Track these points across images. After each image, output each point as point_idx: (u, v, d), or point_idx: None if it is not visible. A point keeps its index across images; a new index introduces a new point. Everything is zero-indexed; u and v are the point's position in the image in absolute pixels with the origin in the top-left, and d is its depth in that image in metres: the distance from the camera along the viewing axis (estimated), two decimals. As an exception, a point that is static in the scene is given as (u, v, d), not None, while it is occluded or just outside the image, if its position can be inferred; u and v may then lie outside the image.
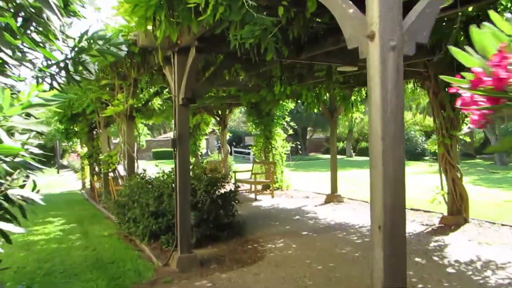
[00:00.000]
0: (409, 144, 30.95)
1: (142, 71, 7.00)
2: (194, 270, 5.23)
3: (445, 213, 8.43)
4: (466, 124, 8.19)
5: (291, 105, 14.04)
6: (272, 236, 7.02)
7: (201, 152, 18.92)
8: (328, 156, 40.52)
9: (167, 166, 8.49)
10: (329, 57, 6.43)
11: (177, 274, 5.13)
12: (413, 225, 7.87)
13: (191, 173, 7.27)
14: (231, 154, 37.68)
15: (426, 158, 31.66)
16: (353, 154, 39.71)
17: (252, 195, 11.88)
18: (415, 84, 9.27)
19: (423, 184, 14.95)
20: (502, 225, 7.71)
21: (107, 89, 8.80)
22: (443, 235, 7.03)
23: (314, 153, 44.66)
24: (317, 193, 12.55)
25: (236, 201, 7.44)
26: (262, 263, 5.51)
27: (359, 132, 43.90)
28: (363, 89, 10.28)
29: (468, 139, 8.23)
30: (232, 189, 7.59)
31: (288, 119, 14.22)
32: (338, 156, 38.25)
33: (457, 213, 7.85)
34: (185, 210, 5.50)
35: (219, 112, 16.81)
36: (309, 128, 43.45)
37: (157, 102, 10.01)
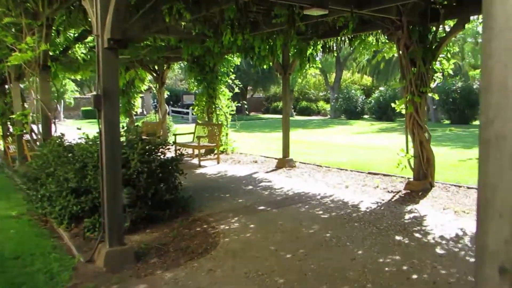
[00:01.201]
0: (349, 103, 31.01)
1: (56, 6, 5.34)
2: (128, 269, 3.99)
3: (407, 177, 7.85)
4: (435, 81, 7.46)
5: (237, 60, 12.70)
6: (224, 213, 5.92)
7: (136, 112, 17.21)
8: (269, 116, 39.78)
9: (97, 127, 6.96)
10: (297, -5, 5.21)
11: (104, 275, 3.87)
12: (379, 192, 7.15)
13: (123, 139, 5.90)
14: (168, 114, 35.68)
15: (365, 117, 32.01)
16: (294, 113, 39.35)
17: (195, 161, 10.65)
18: (378, 35, 8.33)
19: (374, 145, 14.56)
20: (468, 188, 7.22)
21: (13, 30, 6.94)
22: (414, 203, 6.35)
23: (254, 113, 43.84)
24: (266, 157, 11.60)
25: (180, 172, 6.21)
26: (216, 253, 4.40)
27: (299, 91, 43.53)
28: (319, 42, 9.20)
29: (437, 97, 7.52)
30: (174, 156, 6.33)
31: (233, 76, 12.90)
32: (279, 116, 37.82)
33: (423, 178, 7.22)
34: (115, 189, 4.19)
35: (156, 67, 15.06)
36: (249, 87, 42.24)
37: (80, 51, 8.24)
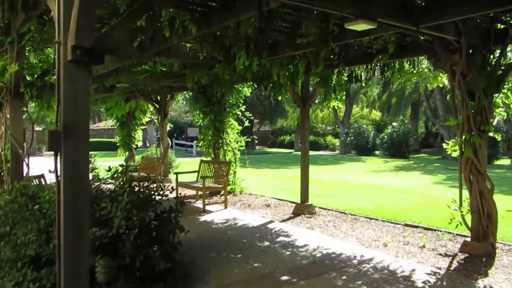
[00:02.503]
0: (360, 138, 29.68)
1: (22, 16, 4.10)
2: None
3: (456, 232, 6.48)
4: (495, 117, 6.12)
5: (247, 90, 11.50)
6: (236, 287, 4.46)
7: (136, 145, 15.91)
8: (276, 150, 38.45)
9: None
10: (339, 3, 3.95)
11: None
12: (429, 255, 5.67)
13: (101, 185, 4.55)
14: (171, 147, 34.47)
15: (377, 153, 30.59)
16: (302, 148, 38.03)
17: (199, 204, 9.21)
18: (418, 62, 7.09)
19: (396, 186, 13.07)
20: (541, 253, 5.75)
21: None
22: (482, 275, 4.87)
23: (260, 146, 42.62)
24: (279, 200, 10.15)
25: (180, 228, 4.81)
26: None
27: (306, 125, 42.41)
28: (345, 70, 7.94)
29: (499, 137, 6.20)
30: (174, 205, 4.93)
31: (243, 108, 11.65)
32: (285, 150, 36.29)
33: (483, 238, 5.74)
34: (77, 266, 2.79)
35: (159, 98, 13.91)
36: (256, 120, 41.17)
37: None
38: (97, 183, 4.46)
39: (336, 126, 39.81)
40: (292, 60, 6.91)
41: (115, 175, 4.61)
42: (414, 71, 6.93)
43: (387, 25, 4.50)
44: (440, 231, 6.89)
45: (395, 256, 5.63)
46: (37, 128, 33.18)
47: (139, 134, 16.04)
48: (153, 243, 4.40)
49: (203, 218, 8.08)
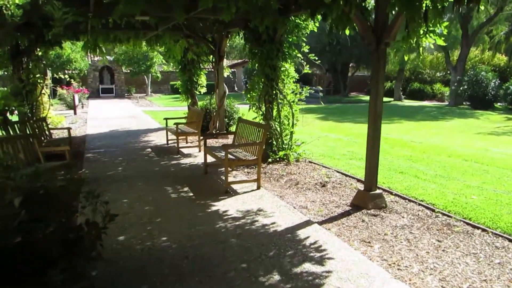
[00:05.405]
0: (477, 87, 24.51)
1: None
2: None
3: None
4: None
5: (311, 25, 8.52)
6: None
7: (199, 92, 14.00)
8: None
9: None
10: None
11: None
12: None
13: None
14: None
15: (499, 106, 25.18)
16: (403, 97, 33.43)
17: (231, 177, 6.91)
18: None
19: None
20: None
21: None
22: None
23: (355, 93, 38.72)
24: (344, 175, 7.48)
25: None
26: None
27: (411, 70, 36.94)
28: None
29: None
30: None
31: (306, 48, 8.76)
32: (385, 99, 32.17)
33: None
34: None
35: (215, 37, 11.56)
36: (351, 64, 36.92)
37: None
38: None
39: (448, 72, 34.00)
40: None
41: None
42: None
43: None
44: None
45: None
46: (125, 71, 33.32)
47: (202, 79, 14.03)
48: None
49: (219, 204, 5.77)
